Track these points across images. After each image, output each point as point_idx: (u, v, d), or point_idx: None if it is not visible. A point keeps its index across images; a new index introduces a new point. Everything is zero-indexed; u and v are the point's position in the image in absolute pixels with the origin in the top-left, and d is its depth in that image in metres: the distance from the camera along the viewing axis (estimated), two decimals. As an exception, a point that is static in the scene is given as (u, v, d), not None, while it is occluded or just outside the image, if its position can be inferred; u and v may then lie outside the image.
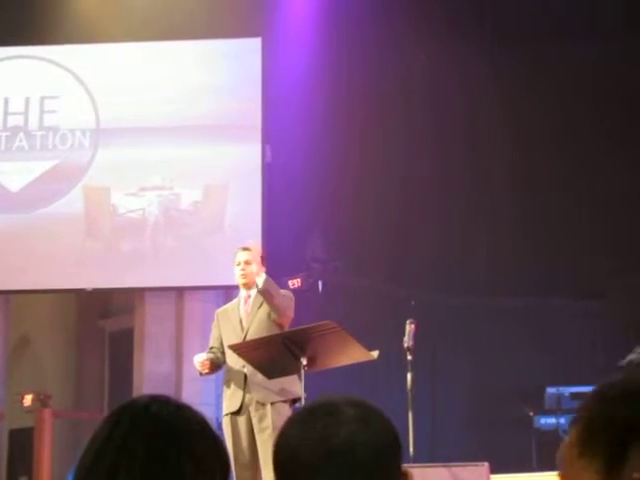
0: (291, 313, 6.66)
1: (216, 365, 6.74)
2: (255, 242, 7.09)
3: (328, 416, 1.70)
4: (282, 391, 6.40)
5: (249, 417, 6.45)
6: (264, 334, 6.48)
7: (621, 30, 10.11)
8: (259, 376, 6.39)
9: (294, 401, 6.42)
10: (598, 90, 10.49)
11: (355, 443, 1.67)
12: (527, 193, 10.87)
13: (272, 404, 6.39)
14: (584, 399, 1.38)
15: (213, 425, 1.76)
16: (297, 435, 1.71)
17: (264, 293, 6.60)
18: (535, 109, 10.69)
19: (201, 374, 6.76)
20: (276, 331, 6.51)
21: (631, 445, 1.26)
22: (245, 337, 6.61)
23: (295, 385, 6.29)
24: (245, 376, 6.51)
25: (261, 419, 6.40)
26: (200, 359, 6.67)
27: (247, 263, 6.70)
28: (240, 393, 6.51)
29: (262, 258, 6.71)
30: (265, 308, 6.66)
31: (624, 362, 2.86)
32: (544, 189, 10.84)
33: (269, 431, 6.31)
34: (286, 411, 6.37)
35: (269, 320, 6.64)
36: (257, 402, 6.43)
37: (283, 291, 6.85)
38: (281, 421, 6.23)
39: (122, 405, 1.71)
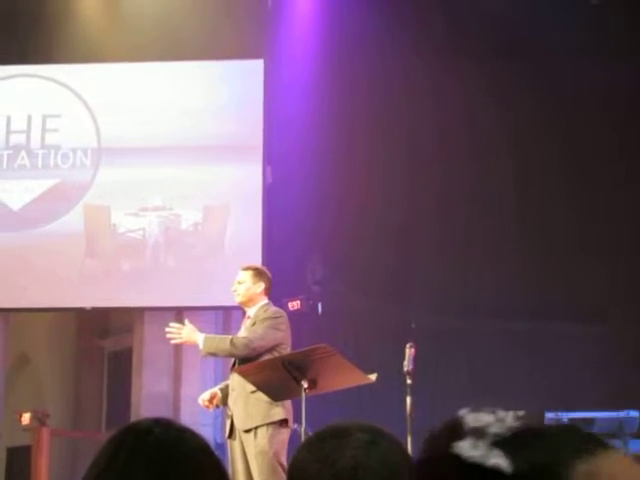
0: (261, 343, 6.47)
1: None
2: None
3: (336, 439, 1.73)
4: (260, 416, 6.34)
5: (241, 441, 6.44)
6: None
7: (627, 49, 10.12)
8: (239, 403, 6.42)
9: (281, 423, 6.37)
10: (607, 107, 10.48)
11: (359, 466, 1.68)
12: (531, 213, 10.85)
13: (255, 429, 6.34)
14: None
15: (212, 447, 1.75)
16: (307, 457, 1.73)
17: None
18: (539, 124, 10.68)
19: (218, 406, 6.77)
20: (268, 353, 6.49)
21: None
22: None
23: (274, 409, 6.30)
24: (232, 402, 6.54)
25: (247, 444, 6.38)
26: (202, 398, 6.72)
27: (239, 282, 6.72)
28: (230, 418, 6.53)
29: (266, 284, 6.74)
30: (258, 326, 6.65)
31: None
32: (549, 209, 10.81)
33: (254, 454, 6.29)
34: (272, 433, 6.31)
35: None
36: (241, 429, 6.44)
37: (264, 325, 6.58)
38: (266, 444, 6.13)
39: (124, 428, 1.70)
